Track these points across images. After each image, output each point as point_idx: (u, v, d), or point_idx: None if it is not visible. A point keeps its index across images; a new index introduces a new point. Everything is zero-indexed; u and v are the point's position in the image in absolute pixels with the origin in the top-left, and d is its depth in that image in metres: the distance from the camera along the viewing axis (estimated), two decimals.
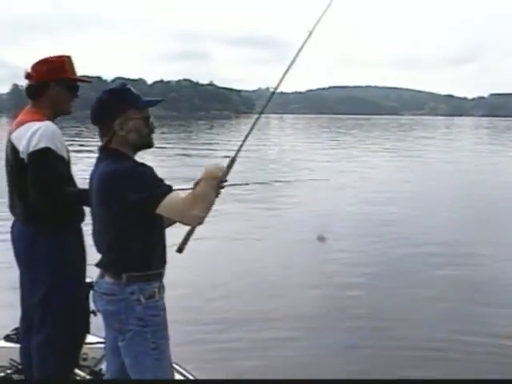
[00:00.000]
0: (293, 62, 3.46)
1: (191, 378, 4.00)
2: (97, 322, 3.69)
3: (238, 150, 3.23)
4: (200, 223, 2.90)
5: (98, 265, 3.11)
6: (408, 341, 6.26)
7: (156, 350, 3.00)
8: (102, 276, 3.08)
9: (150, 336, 2.98)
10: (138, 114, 3.04)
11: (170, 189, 2.86)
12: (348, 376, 5.41)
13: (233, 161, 3.14)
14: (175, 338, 3.29)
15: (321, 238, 9.80)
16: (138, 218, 2.93)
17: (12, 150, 3.66)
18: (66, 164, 3.69)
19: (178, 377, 3.81)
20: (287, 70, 3.45)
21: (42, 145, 3.52)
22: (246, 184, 3.83)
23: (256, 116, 3.52)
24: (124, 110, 3.00)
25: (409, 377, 5.38)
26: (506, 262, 9.60)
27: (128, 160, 3.00)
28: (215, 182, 2.94)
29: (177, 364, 3.72)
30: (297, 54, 3.47)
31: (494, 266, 9.37)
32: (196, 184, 3.01)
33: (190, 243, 3.13)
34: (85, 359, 4.14)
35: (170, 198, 2.83)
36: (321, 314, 7.12)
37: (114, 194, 2.88)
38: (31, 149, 3.53)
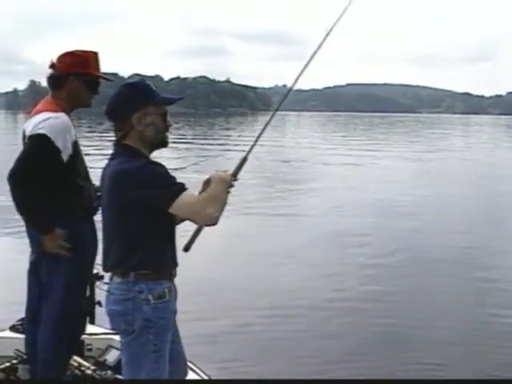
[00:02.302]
0: (310, 60, 3.49)
1: (205, 377, 3.97)
2: (102, 312, 3.70)
3: (251, 149, 3.24)
4: (215, 223, 2.87)
5: (105, 268, 3.09)
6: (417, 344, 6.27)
7: (156, 353, 2.96)
8: (111, 278, 3.06)
9: (152, 338, 2.95)
10: (156, 109, 3.03)
11: (183, 187, 2.85)
12: (352, 376, 5.40)
13: (244, 160, 3.16)
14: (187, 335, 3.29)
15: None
16: (149, 217, 2.92)
17: (23, 138, 3.75)
18: (58, 157, 3.65)
19: (191, 375, 3.78)
20: (304, 69, 3.49)
21: (41, 131, 3.56)
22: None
23: (271, 113, 3.53)
24: (143, 104, 2.99)
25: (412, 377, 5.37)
26: None
27: (141, 158, 2.98)
28: (226, 184, 2.95)
29: (191, 362, 3.70)
30: (314, 53, 3.50)
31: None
32: (206, 183, 3.01)
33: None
34: (89, 350, 4.16)
35: (183, 197, 2.81)
36: (332, 316, 7.11)
37: (126, 192, 2.87)
38: (31, 133, 3.61)
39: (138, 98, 3.01)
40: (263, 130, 3.33)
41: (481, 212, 14.55)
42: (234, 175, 3.11)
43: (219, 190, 2.91)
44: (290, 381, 5.14)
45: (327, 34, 3.53)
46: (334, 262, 9.53)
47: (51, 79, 3.82)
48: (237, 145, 29.46)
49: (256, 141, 3.28)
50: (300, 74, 3.49)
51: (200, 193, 3.03)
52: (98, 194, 3.46)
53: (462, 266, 9.39)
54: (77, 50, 3.84)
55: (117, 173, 2.92)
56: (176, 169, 3.48)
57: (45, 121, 3.59)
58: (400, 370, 5.60)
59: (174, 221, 3.05)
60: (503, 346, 6.22)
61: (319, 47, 3.51)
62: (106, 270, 3.11)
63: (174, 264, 3.11)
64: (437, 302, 7.73)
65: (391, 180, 19.59)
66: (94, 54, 3.88)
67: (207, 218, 2.86)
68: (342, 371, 5.56)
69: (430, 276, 8.74)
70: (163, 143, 3.10)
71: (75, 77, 3.77)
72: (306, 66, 3.48)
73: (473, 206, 15.23)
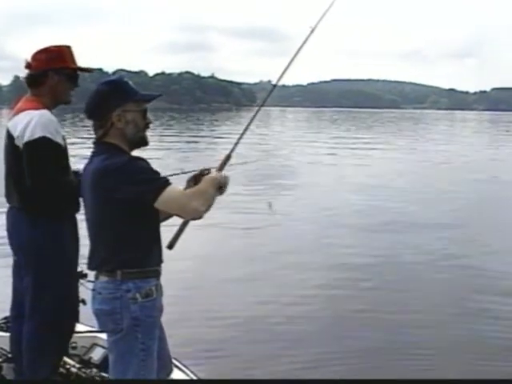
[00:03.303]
0: (294, 56, 3.52)
1: (189, 373, 3.96)
2: (86, 310, 3.69)
3: (235, 146, 3.25)
4: (200, 217, 2.89)
5: (90, 266, 3.09)
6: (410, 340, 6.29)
7: (144, 351, 2.97)
8: (96, 277, 3.05)
9: (140, 336, 2.95)
10: (135, 106, 3.03)
11: (167, 182, 2.85)
12: (350, 376, 5.41)
13: (228, 157, 3.17)
14: (175, 334, 3.29)
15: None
16: (134, 214, 2.91)
17: (8, 137, 3.70)
18: (63, 151, 3.70)
19: (176, 372, 3.78)
20: (289, 65, 3.52)
21: (38, 134, 3.55)
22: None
23: (256, 109, 3.54)
24: (123, 101, 2.99)
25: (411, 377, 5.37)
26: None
27: (123, 154, 2.98)
28: (215, 181, 2.95)
29: (176, 359, 3.70)
30: (299, 50, 3.53)
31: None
32: (189, 180, 3.02)
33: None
34: (74, 348, 4.13)
35: (168, 192, 2.81)
36: (325, 313, 7.16)
37: (111, 189, 2.86)
38: (26, 139, 3.57)
39: (118, 95, 3.02)
40: (247, 127, 3.33)
41: (466, 207, 14.65)
42: (220, 171, 3.12)
43: (207, 185, 2.92)
44: (280, 381, 5.16)
45: (312, 31, 3.56)
46: (317, 258, 9.54)
47: (30, 78, 3.82)
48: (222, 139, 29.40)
49: (240, 137, 3.28)
50: (285, 71, 3.51)
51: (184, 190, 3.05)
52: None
53: (449, 261, 9.46)
54: (50, 46, 3.83)
55: (101, 170, 2.91)
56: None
57: (32, 120, 3.57)
58: (387, 368, 5.65)
59: (159, 217, 3.05)
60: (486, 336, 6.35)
61: (304, 43, 3.54)
62: (91, 268, 3.11)
63: (160, 261, 3.11)
64: (421, 298, 7.76)
65: (373, 175, 19.62)
66: (68, 48, 3.89)
67: (192, 212, 2.87)
68: (328, 370, 5.56)
69: (411, 273, 8.81)
70: (143, 141, 3.11)
71: (54, 72, 3.77)
72: (290, 62, 3.50)
73: (458, 201, 15.32)
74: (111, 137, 3.01)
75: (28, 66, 3.80)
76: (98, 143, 3.07)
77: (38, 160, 3.58)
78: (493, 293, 7.76)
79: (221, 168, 3.16)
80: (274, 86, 3.71)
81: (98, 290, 3.00)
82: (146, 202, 2.83)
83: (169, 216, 3.12)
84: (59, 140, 3.66)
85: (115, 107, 2.98)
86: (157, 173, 2.90)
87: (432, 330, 6.58)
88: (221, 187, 3.00)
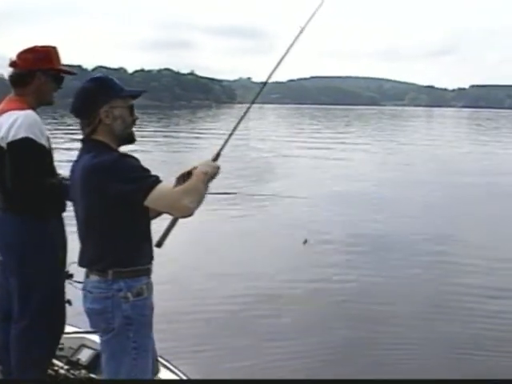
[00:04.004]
0: (285, 55, 3.54)
1: (177, 371, 3.96)
2: (73, 311, 3.67)
3: (225, 144, 3.24)
4: (190, 215, 2.86)
5: (81, 264, 3.07)
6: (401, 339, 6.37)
7: (136, 350, 2.97)
8: (87, 275, 3.04)
9: (132, 335, 2.95)
10: (122, 102, 3.03)
11: (157, 180, 2.84)
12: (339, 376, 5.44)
13: (218, 155, 3.16)
14: (163, 333, 3.29)
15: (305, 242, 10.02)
16: (124, 212, 2.90)
17: None
18: (47, 152, 3.67)
19: (162, 370, 3.78)
20: (279, 62, 3.57)
21: (21, 135, 3.51)
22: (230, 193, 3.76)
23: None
24: (109, 97, 2.99)
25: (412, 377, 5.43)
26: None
27: (113, 152, 2.97)
28: (205, 177, 2.93)
29: (162, 357, 3.70)
30: (288, 49, 3.56)
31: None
32: (179, 178, 3.01)
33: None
34: (61, 349, 4.11)
35: (159, 189, 2.80)
36: (318, 314, 7.20)
37: (101, 187, 2.85)
38: (10, 138, 3.53)
39: (104, 92, 3.02)
40: (237, 125, 3.35)
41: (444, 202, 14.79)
42: (214, 171, 3.11)
43: (196, 182, 2.90)
44: (284, 381, 5.19)
45: (301, 31, 3.59)
46: (304, 253, 9.60)
47: (15, 77, 3.78)
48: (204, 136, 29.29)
49: (230, 135, 3.29)
50: (275, 68, 3.55)
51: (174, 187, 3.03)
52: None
53: (428, 253, 9.69)
54: (36, 46, 3.79)
55: (90, 168, 2.90)
56: None
57: (16, 121, 3.54)
58: (374, 366, 5.72)
59: (149, 215, 3.05)
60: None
61: (294, 42, 3.58)
62: (82, 265, 3.09)
63: (151, 259, 3.11)
64: (401, 293, 7.82)
65: (354, 172, 19.76)
66: (54, 49, 3.86)
67: (183, 209, 2.85)
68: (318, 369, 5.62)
69: (394, 267, 8.88)
70: (131, 138, 3.11)
71: (42, 72, 3.74)
72: (281, 60, 3.55)
73: (436, 195, 15.48)
74: (99, 134, 3.01)
75: (13, 64, 3.76)
76: (86, 141, 3.06)
77: (21, 160, 3.55)
78: (471, 292, 7.85)
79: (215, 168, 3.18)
80: (265, 83, 3.75)
81: (89, 289, 2.99)
82: (136, 200, 2.83)
83: (159, 213, 3.11)
84: (43, 141, 3.63)
85: (102, 103, 2.99)
86: (147, 170, 2.89)
87: (413, 324, 6.77)
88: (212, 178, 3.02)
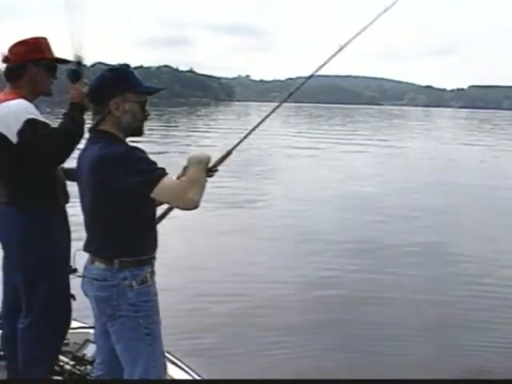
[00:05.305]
0: (336, 53, 3.92)
1: (183, 366, 3.96)
2: (78, 306, 3.68)
3: (239, 143, 3.27)
4: (196, 207, 2.87)
5: (87, 250, 3.08)
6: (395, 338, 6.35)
7: (149, 336, 3.00)
8: (91, 262, 3.06)
9: (142, 321, 2.98)
10: (135, 97, 3.04)
11: (164, 172, 2.85)
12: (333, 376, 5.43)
13: (228, 153, 3.19)
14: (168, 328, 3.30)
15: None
16: (130, 203, 2.92)
17: None
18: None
19: (169, 365, 3.78)
20: (329, 59, 3.85)
21: (23, 118, 3.47)
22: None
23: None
24: (123, 90, 3.00)
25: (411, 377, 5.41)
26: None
27: (121, 144, 2.99)
28: (203, 166, 2.94)
29: (168, 353, 3.70)
30: (325, 62, 3.86)
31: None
32: (185, 169, 3.03)
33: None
34: (67, 344, 4.08)
35: (165, 182, 2.82)
36: (316, 314, 7.13)
37: (108, 177, 2.86)
38: (17, 127, 3.47)
39: (118, 84, 3.03)
40: (258, 125, 3.38)
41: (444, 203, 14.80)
42: (215, 165, 3.21)
43: (197, 173, 2.91)
44: (284, 381, 5.20)
45: (341, 48, 3.97)
46: (300, 253, 9.63)
47: (8, 71, 3.74)
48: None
49: (247, 135, 3.32)
50: (323, 64, 3.83)
51: (179, 177, 3.08)
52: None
53: (426, 257, 9.59)
54: (27, 38, 3.76)
55: (98, 158, 2.92)
56: None
57: (11, 110, 3.50)
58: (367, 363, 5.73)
59: (155, 206, 3.09)
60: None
61: (331, 58, 3.91)
62: (88, 251, 3.11)
63: (155, 248, 3.14)
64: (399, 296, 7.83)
65: (354, 172, 19.75)
66: (44, 39, 3.83)
67: (188, 203, 2.86)
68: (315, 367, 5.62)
69: (391, 269, 8.87)
70: (138, 132, 3.12)
71: (33, 63, 3.71)
72: (330, 57, 3.85)
73: (435, 195, 15.52)
74: (107, 124, 3.02)
75: (6, 59, 3.73)
76: (93, 131, 3.07)
77: (38, 135, 3.47)
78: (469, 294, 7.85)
79: (218, 163, 3.26)
80: (310, 76, 4.03)
81: (95, 277, 3.02)
82: (143, 191, 2.84)
83: (160, 203, 3.15)
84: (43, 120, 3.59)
85: (114, 95, 3.00)
86: (154, 163, 2.90)
87: (413, 324, 6.73)
88: (210, 170, 3.06)
